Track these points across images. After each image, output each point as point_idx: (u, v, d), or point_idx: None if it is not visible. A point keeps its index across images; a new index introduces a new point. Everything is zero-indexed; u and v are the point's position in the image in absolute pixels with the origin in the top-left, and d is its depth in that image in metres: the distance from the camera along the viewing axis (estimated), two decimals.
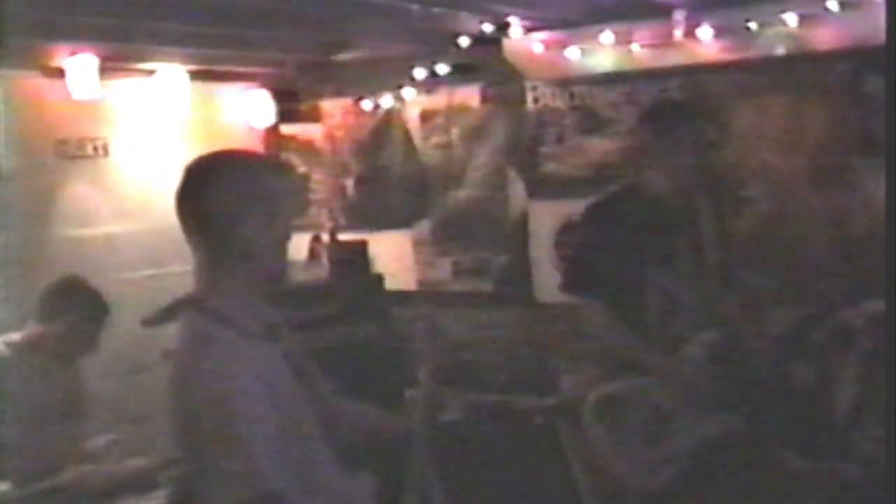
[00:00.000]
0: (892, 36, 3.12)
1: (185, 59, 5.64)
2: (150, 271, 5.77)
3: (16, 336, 4.30)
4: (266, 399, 2.33)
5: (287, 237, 2.58)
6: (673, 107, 4.21)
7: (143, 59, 5.54)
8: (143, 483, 4.14)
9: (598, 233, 3.97)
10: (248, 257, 2.45)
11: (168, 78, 5.73)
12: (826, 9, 4.65)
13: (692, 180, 3.93)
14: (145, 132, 5.91)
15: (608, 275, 3.84)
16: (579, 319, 4.02)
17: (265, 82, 6.51)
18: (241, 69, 6.22)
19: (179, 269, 5.53)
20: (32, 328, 4.32)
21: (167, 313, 3.99)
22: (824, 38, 4.77)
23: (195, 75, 5.87)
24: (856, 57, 4.79)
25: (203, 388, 2.33)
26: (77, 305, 4.35)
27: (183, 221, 2.55)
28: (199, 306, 2.48)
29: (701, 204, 4.03)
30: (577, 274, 4.04)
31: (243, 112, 6.50)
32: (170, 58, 5.55)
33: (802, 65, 4.98)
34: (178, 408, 2.41)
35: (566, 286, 4.06)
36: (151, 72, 5.70)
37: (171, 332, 4.32)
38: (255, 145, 6.60)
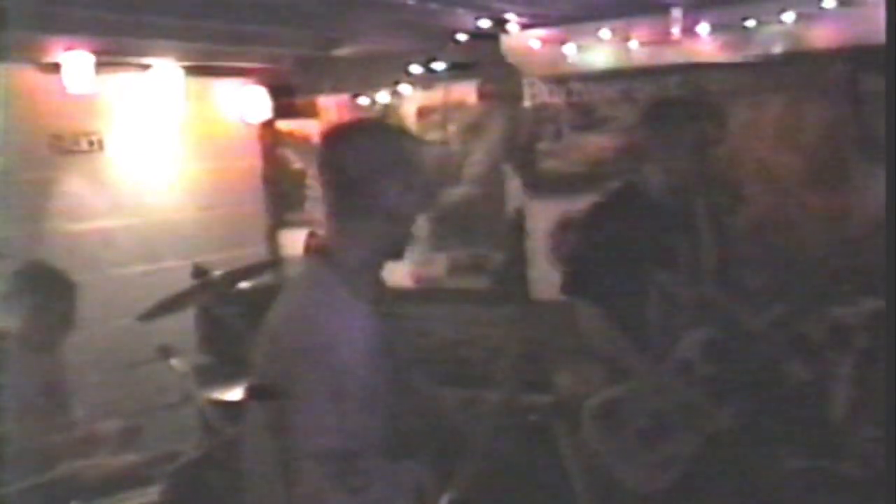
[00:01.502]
0: (893, 36, 3.12)
1: (181, 54, 5.63)
2: (145, 266, 5.77)
3: None
4: (363, 360, 2.40)
5: (422, 208, 2.64)
6: (676, 104, 4.19)
7: (138, 54, 5.52)
8: (136, 478, 4.13)
9: (600, 233, 3.96)
10: (382, 221, 2.52)
11: (163, 73, 5.72)
12: (823, 7, 4.65)
13: (692, 179, 3.92)
14: (140, 127, 5.89)
15: (609, 275, 3.84)
16: (576, 320, 4.01)
17: (261, 77, 6.49)
18: (238, 64, 6.21)
19: (174, 264, 5.62)
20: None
21: (162, 309, 4.00)
22: (822, 36, 4.78)
23: (191, 70, 5.85)
24: (853, 55, 4.79)
25: (310, 331, 2.39)
26: (40, 287, 4.30)
27: (323, 182, 2.59)
28: (324, 257, 2.54)
29: (699, 203, 4.02)
30: (578, 275, 4.03)
31: (239, 107, 6.48)
32: (165, 52, 5.54)
33: (800, 63, 4.98)
34: (276, 345, 2.45)
35: (568, 288, 4.04)
36: (147, 66, 5.69)
37: (166, 328, 4.36)
38: (251, 141, 6.59)
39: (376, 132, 2.65)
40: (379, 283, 2.64)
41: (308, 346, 2.36)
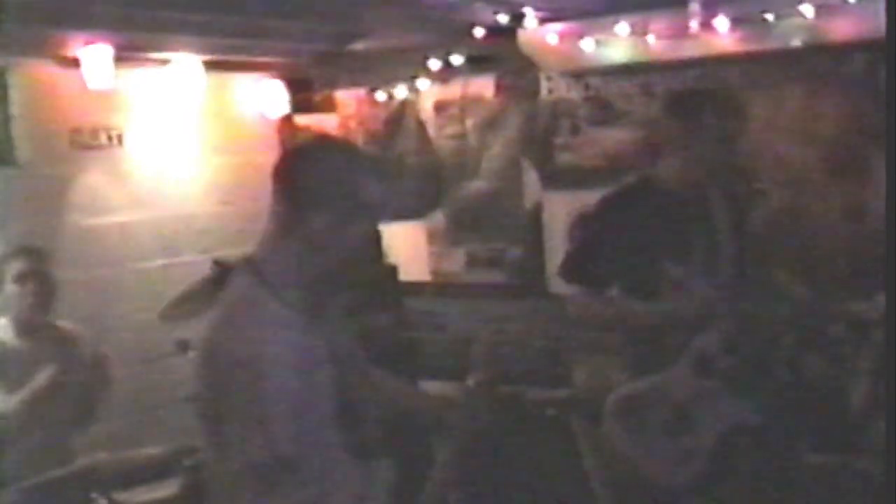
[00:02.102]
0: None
1: (200, 49, 5.64)
2: (164, 260, 5.79)
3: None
4: (294, 370, 2.38)
5: (365, 237, 2.62)
6: (697, 97, 4.17)
7: (157, 49, 5.54)
8: (156, 471, 4.15)
9: (610, 224, 3.96)
10: (322, 239, 2.51)
11: (182, 67, 5.73)
12: (843, 0, 4.62)
13: (711, 172, 3.91)
14: (160, 122, 5.91)
15: (620, 266, 3.84)
16: (567, 307, 4.01)
17: (280, 72, 6.50)
18: (256, 59, 6.22)
19: (192, 258, 5.64)
20: None
21: (184, 306, 4.02)
22: (841, 29, 4.75)
23: (210, 65, 5.86)
24: (873, 48, 4.77)
25: (236, 347, 2.39)
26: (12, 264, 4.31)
27: (273, 189, 2.61)
28: (251, 269, 2.54)
29: (717, 196, 4.01)
30: (582, 262, 4.02)
31: (258, 102, 6.49)
32: (184, 47, 5.55)
33: (819, 56, 4.96)
34: (208, 365, 2.47)
35: (568, 274, 4.04)
36: (166, 61, 5.70)
37: (185, 322, 4.37)
38: (269, 135, 6.61)
39: (327, 152, 2.65)
40: (318, 292, 2.59)
41: (237, 359, 2.37)
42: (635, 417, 3.82)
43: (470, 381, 2.98)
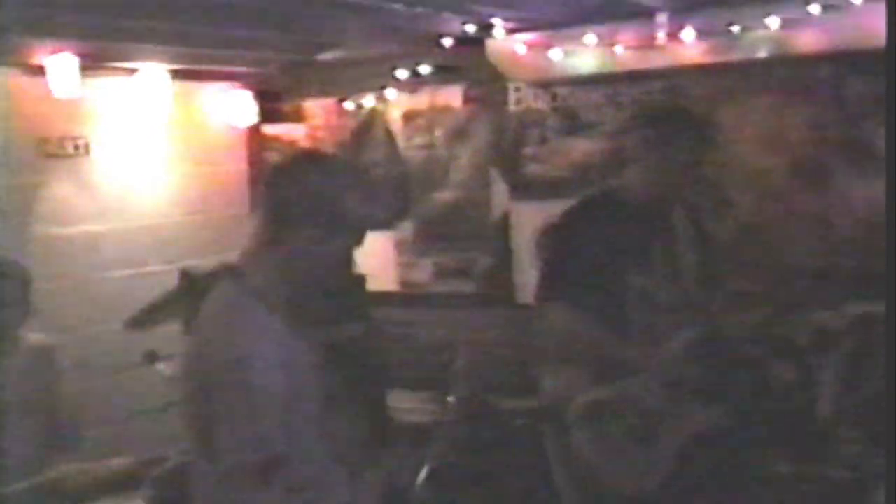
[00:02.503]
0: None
1: (167, 58, 5.62)
2: (131, 270, 5.76)
3: None
4: (281, 372, 2.44)
5: (348, 251, 2.71)
6: (664, 111, 4.20)
7: (124, 58, 5.52)
8: (125, 482, 4.12)
9: (574, 238, 3.98)
10: (298, 253, 2.57)
11: (150, 77, 5.72)
12: (808, 12, 4.66)
13: (674, 186, 3.93)
14: (127, 131, 5.88)
15: (586, 279, 3.85)
16: (552, 327, 4.03)
17: (248, 82, 6.49)
18: (224, 68, 6.21)
19: (159, 268, 5.61)
20: None
21: (152, 316, 4.02)
22: (807, 41, 4.79)
23: (177, 74, 5.85)
24: (838, 60, 4.82)
25: (225, 350, 2.44)
26: None
27: (260, 200, 2.66)
28: (237, 277, 2.59)
29: (679, 208, 4.04)
30: (553, 281, 4.03)
31: (226, 112, 6.48)
32: (151, 56, 5.53)
33: (785, 67, 5.00)
34: (198, 368, 2.52)
35: (542, 294, 4.05)
36: (133, 70, 5.68)
37: (152, 332, 4.35)
38: (238, 145, 6.59)
39: (313, 167, 2.68)
40: (301, 299, 2.65)
41: (222, 365, 2.42)
42: (600, 424, 3.83)
43: (451, 398, 3.02)
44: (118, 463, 4.26)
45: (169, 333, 4.90)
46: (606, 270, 3.80)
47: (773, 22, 4.77)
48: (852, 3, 4.49)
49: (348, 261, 2.75)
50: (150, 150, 6.02)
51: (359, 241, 2.69)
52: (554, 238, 4.11)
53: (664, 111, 4.21)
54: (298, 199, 2.54)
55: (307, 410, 2.54)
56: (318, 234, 2.54)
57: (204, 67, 6.07)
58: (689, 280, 3.99)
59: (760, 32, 4.84)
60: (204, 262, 5.16)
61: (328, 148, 6.53)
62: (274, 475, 2.39)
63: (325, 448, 2.59)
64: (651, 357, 3.83)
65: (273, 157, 6.66)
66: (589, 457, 3.82)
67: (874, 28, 4.51)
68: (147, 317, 4.38)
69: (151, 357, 4.26)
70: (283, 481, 2.41)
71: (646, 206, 3.92)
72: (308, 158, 2.89)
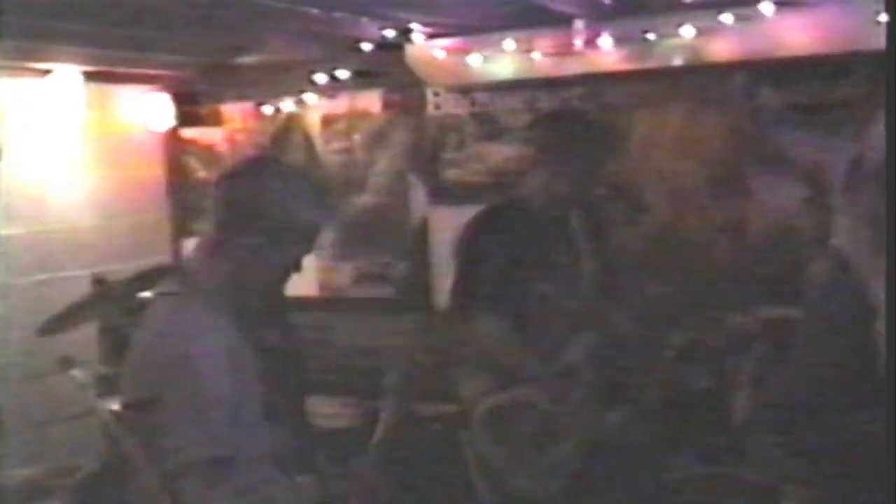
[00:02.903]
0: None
1: (82, 60, 5.54)
2: (45, 275, 5.67)
3: None
4: (228, 374, 2.47)
5: (296, 259, 2.73)
6: (566, 119, 4.26)
7: (37, 59, 5.43)
8: (35, 492, 4.06)
9: (477, 245, 4.02)
10: (244, 260, 2.60)
11: (64, 79, 5.63)
12: (721, 22, 4.73)
13: (578, 190, 3.99)
14: (40, 134, 5.79)
15: (492, 286, 3.88)
16: (467, 331, 4.06)
17: (165, 85, 6.43)
18: (140, 71, 6.14)
19: (74, 273, 5.53)
20: None
21: (66, 322, 3.98)
22: (720, 50, 4.86)
23: (92, 76, 5.77)
24: (750, 69, 4.90)
25: (172, 351, 2.46)
26: None
27: (210, 204, 2.68)
28: (182, 278, 2.63)
29: (580, 215, 4.09)
30: (461, 290, 4.07)
31: (143, 115, 6.41)
32: (65, 58, 5.45)
33: (699, 76, 5.07)
34: (145, 371, 2.54)
35: (453, 303, 4.09)
36: (47, 72, 5.60)
37: (67, 338, 4.29)
38: (154, 149, 6.52)
39: (265, 174, 2.70)
40: (243, 299, 2.67)
41: (171, 364, 2.45)
42: (500, 429, 3.86)
43: (384, 411, 3.04)
44: (29, 472, 4.20)
45: (85, 338, 4.85)
46: (510, 277, 3.85)
47: (688, 31, 4.83)
48: (763, 14, 4.57)
49: (296, 267, 2.75)
50: (65, 154, 5.93)
51: (308, 248, 2.70)
52: (461, 246, 4.15)
53: (563, 118, 4.27)
54: (246, 206, 2.56)
55: (251, 412, 2.55)
56: (264, 243, 2.56)
57: (120, 70, 6.00)
58: (592, 285, 4.04)
59: (675, 41, 4.90)
60: (119, 267, 5.11)
61: (246, 152, 6.49)
62: (223, 475, 2.39)
63: (265, 452, 2.60)
64: (551, 362, 3.88)
65: (190, 161, 6.62)
66: (491, 461, 3.85)
67: (785, 38, 4.61)
68: (61, 323, 4.31)
69: (66, 363, 4.20)
70: (231, 483, 2.42)
71: (547, 213, 3.97)
72: (259, 163, 2.92)
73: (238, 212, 2.57)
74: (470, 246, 4.07)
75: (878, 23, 4.16)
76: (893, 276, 2.85)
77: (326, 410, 5.39)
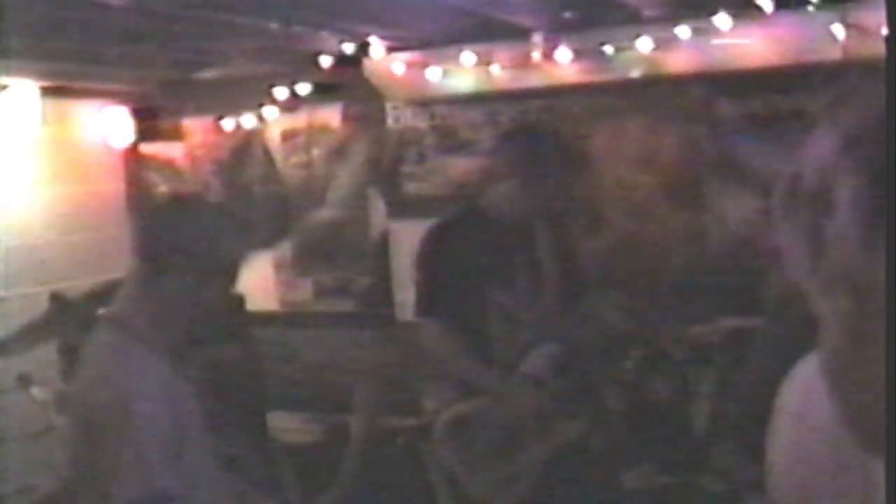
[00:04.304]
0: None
1: (39, 75, 5.51)
2: (2, 292, 5.61)
3: None
4: (164, 407, 2.47)
5: (224, 292, 2.74)
6: (535, 130, 4.29)
7: None
8: None
9: (438, 255, 4.03)
10: (173, 301, 2.61)
11: (20, 94, 5.60)
12: (676, 35, 4.77)
13: (541, 202, 4.01)
14: None
15: (452, 296, 3.90)
16: (423, 341, 4.08)
17: (124, 100, 6.40)
18: (99, 86, 6.11)
19: (32, 290, 5.48)
20: None
21: (24, 339, 3.98)
22: (677, 62, 4.91)
23: (50, 91, 5.74)
24: (707, 81, 4.95)
25: (106, 395, 2.46)
26: None
27: (133, 247, 2.74)
28: (116, 322, 2.61)
29: (540, 224, 4.11)
30: (424, 297, 4.09)
31: (102, 130, 6.37)
32: (22, 73, 5.42)
33: (657, 88, 5.11)
34: (83, 417, 2.54)
35: (416, 315, 4.11)
36: (3, 87, 5.56)
37: (26, 355, 4.25)
38: (114, 164, 6.49)
39: (185, 213, 2.73)
40: (177, 333, 2.68)
41: (106, 408, 2.45)
42: (463, 439, 3.88)
43: (354, 425, 3.08)
44: None
45: (44, 356, 4.81)
46: (470, 288, 3.87)
47: (645, 43, 4.87)
48: (718, 28, 4.61)
49: (225, 295, 2.77)
50: (24, 169, 5.89)
51: (233, 280, 2.71)
52: (420, 258, 4.16)
53: (528, 130, 4.29)
54: (171, 245, 2.58)
55: (196, 442, 2.56)
56: (192, 278, 2.57)
57: (79, 84, 5.97)
58: (553, 296, 4.07)
59: (632, 53, 4.94)
60: (78, 284, 5.07)
61: (206, 167, 6.47)
62: None
63: (217, 476, 2.61)
64: (512, 372, 3.90)
65: (150, 176, 6.59)
66: (453, 470, 3.86)
67: (741, 50, 4.66)
68: (19, 341, 4.29)
69: (25, 380, 4.18)
70: None
71: (509, 224, 3.99)
72: (179, 203, 2.95)
73: (158, 252, 2.59)
74: (429, 258, 4.08)
75: (832, 35, 4.22)
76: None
77: (289, 425, 5.37)
